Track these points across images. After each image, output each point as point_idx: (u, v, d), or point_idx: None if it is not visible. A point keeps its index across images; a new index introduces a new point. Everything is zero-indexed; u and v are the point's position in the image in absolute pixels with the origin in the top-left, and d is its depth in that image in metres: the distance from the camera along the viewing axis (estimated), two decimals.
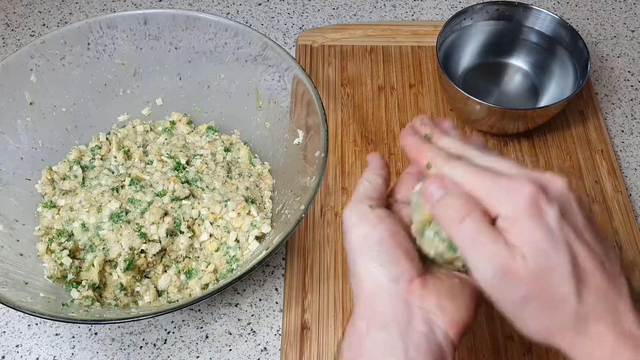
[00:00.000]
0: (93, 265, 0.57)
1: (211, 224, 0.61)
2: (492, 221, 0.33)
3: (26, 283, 0.54)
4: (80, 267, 0.58)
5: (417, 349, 0.34)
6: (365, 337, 0.35)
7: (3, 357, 0.58)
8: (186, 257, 0.60)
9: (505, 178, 0.33)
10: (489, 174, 0.33)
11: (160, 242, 0.58)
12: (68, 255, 0.57)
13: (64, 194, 0.63)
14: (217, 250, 0.60)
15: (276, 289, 0.62)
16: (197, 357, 0.58)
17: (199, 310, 0.60)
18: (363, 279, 0.36)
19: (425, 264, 0.37)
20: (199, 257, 0.60)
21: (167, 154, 0.65)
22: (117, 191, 0.62)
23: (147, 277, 0.59)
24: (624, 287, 0.33)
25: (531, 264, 0.31)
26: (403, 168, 0.69)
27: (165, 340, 0.59)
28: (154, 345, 0.58)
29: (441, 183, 0.34)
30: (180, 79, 0.69)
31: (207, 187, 0.63)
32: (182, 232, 0.59)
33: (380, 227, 0.36)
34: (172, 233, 0.59)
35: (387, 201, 0.40)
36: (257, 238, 0.60)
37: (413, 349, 0.34)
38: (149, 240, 0.58)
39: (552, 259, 0.31)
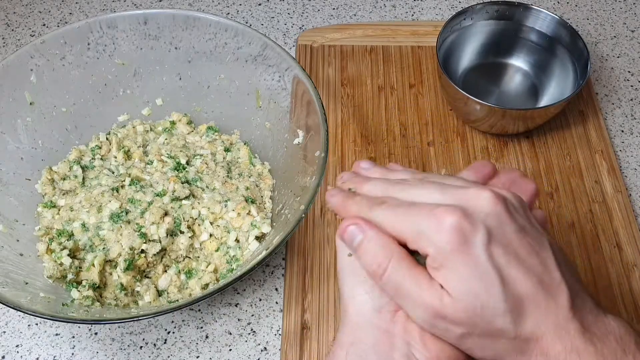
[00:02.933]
0: (93, 265, 0.57)
1: (211, 224, 0.61)
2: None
3: (26, 283, 0.54)
4: (80, 267, 0.58)
5: None
6: None
7: (3, 357, 0.58)
8: (186, 257, 0.60)
9: (426, 213, 0.31)
10: (410, 212, 0.32)
11: (160, 242, 0.58)
12: (68, 255, 0.57)
13: (64, 194, 0.63)
14: (217, 250, 0.60)
15: (276, 289, 0.62)
16: (197, 357, 0.58)
17: (199, 310, 0.60)
18: (348, 303, 0.35)
19: None
20: (199, 257, 0.60)
21: (167, 154, 0.65)
22: (117, 191, 0.62)
23: (147, 277, 0.59)
24: (564, 294, 0.31)
25: (461, 305, 0.30)
26: None
27: (165, 340, 0.59)
28: (154, 345, 0.58)
29: (359, 223, 0.33)
30: (180, 79, 0.69)
31: (207, 187, 0.63)
32: (182, 232, 0.59)
33: None
34: (172, 233, 0.59)
35: None
36: (257, 238, 0.60)
37: None
38: (149, 240, 0.58)
39: (482, 296, 0.30)
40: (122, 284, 0.56)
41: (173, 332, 0.59)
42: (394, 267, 0.32)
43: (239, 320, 0.60)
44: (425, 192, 0.33)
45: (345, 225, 0.34)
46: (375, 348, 0.33)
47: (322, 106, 0.58)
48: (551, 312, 0.31)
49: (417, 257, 0.34)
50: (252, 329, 0.59)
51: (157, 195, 0.61)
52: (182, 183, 0.62)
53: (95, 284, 0.56)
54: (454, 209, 0.31)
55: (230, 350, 0.58)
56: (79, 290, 0.55)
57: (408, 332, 0.33)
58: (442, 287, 0.31)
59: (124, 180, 0.63)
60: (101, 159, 0.67)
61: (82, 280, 0.57)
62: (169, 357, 0.58)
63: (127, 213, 0.60)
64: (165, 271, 0.59)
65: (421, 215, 0.32)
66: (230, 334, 0.59)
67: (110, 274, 0.58)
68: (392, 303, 0.34)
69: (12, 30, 0.85)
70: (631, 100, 0.78)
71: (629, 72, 0.81)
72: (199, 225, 0.61)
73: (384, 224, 0.33)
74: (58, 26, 0.86)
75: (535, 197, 0.38)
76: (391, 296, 0.33)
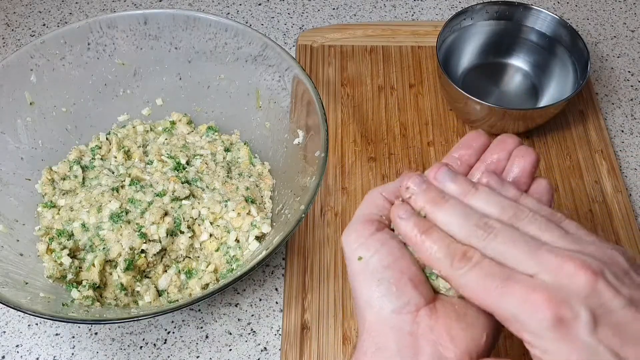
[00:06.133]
0: (93, 265, 0.57)
1: (211, 224, 0.61)
2: None
3: (26, 283, 0.54)
4: (80, 267, 0.58)
5: None
6: None
7: (3, 357, 0.58)
8: (186, 257, 0.60)
9: (519, 296, 0.28)
10: (501, 291, 0.29)
11: (160, 242, 0.58)
12: (68, 255, 0.57)
13: (64, 194, 0.63)
14: (217, 250, 0.60)
15: (276, 289, 0.62)
16: (197, 357, 0.58)
17: (199, 310, 0.60)
18: (365, 310, 0.33)
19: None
20: (199, 257, 0.60)
21: (167, 154, 0.65)
22: (117, 191, 0.62)
23: (147, 277, 0.59)
24: None
25: None
26: (403, 169, 0.69)
27: (165, 340, 0.59)
28: (154, 345, 0.58)
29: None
30: (180, 79, 0.69)
31: (207, 187, 0.63)
32: (182, 232, 0.59)
33: (383, 251, 0.33)
34: (172, 233, 0.59)
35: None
36: (257, 238, 0.60)
37: None
38: (149, 240, 0.58)
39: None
40: (122, 284, 0.56)
41: (173, 332, 0.59)
42: None
43: (239, 320, 0.60)
44: (514, 253, 0.30)
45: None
46: (399, 353, 0.31)
47: (322, 106, 0.58)
48: None
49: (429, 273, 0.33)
50: (252, 329, 0.59)
51: (157, 195, 0.61)
52: (182, 183, 0.62)
53: (95, 284, 0.56)
54: (550, 297, 0.28)
55: (230, 350, 0.58)
56: (79, 290, 0.55)
57: (434, 330, 0.31)
58: None
59: (124, 180, 0.63)
60: (101, 159, 0.67)
61: (82, 280, 0.57)
62: (169, 357, 0.58)
63: (127, 213, 0.60)
64: (165, 271, 0.59)
65: (515, 297, 0.29)
66: (230, 334, 0.59)
67: (110, 274, 0.58)
68: (413, 302, 0.32)
69: (12, 30, 0.85)
70: (631, 100, 0.78)
71: (629, 72, 0.81)
72: (199, 225, 0.61)
73: (467, 289, 0.30)
74: (58, 26, 0.86)
75: (536, 166, 0.36)
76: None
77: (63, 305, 0.53)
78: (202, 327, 0.59)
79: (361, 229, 0.34)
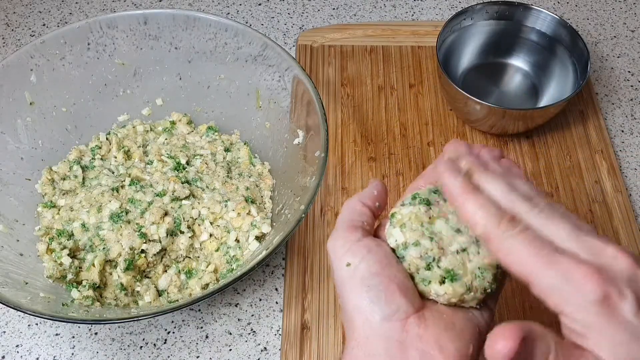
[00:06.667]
0: (93, 265, 0.57)
1: (211, 224, 0.61)
2: None
3: (26, 283, 0.54)
4: (80, 267, 0.58)
5: None
6: None
7: (3, 357, 0.58)
8: (186, 257, 0.60)
9: (565, 269, 0.28)
10: (549, 261, 0.29)
11: (160, 242, 0.58)
12: (68, 255, 0.57)
13: (64, 194, 0.63)
14: (217, 250, 0.60)
15: (276, 289, 0.62)
16: (197, 357, 0.58)
17: (199, 310, 0.60)
18: (354, 317, 0.33)
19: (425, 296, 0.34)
20: (199, 257, 0.60)
21: (167, 154, 0.65)
22: (117, 191, 0.62)
23: (148, 277, 0.59)
24: None
25: None
26: (403, 169, 0.69)
27: (165, 340, 0.59)
28: (154, 345, 0.58)
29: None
30: (180, 79, 0.69)
31: (207, 187, 0.63)
32: (182, 232, 0.59)
33: (370, 258, 0.33)
34: (172, 233, 0.59)
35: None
36: (257, 238, 0.60)
37: None
38: (149, 240, 0.58)
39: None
40: (122, 284, 0.56)
41: (173, 332, 0.59)
42: None
43: (239, 320, 0.60)
44: (558, 229, 0.30)
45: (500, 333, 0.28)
46: None
47: (322, 106, 0.58)
48: None
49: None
50: (252, 329, 0.59)
51: (157, 195, 0.61)
52: (182, 183, 0.62)
53: (95, 284, 0.56)
54: (598, 274, 0.28)
55: (230, 350, 0.58)
56: (79, 290, 0.55)
57: (423, 339, 0.31)
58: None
59: (124, 180, 0.63)
60: (101, 159, 0.67)
61: (82, 280, 0.57)
62: (169, 357, 0.58)
63: (127, 213, 0.60)
64: (165, 271, 0.59)
65: (562, 268, 0.29)
66: (230, 334, 0.59)
67: (110, 274, 0.58)
68: (403, 309, 0.32)
69: (12, 30, 0.85)
70: (631, 100, 0.78)
71: (629, 72, 0.81)
72: (199, 225, 0.61)
73: (511, 253, 0.30)
74: (58, 26, 0.86)
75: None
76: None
77: (63, 305, 0.53)
78: (202, 327, 0.59)
79: (347, 235, 0.34)
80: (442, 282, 0.33)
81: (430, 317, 0.32)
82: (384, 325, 0.32)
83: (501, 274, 0.35)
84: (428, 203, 0.36)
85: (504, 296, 0.60)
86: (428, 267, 0.33)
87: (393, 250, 0.35)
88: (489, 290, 0.34)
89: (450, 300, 0.33)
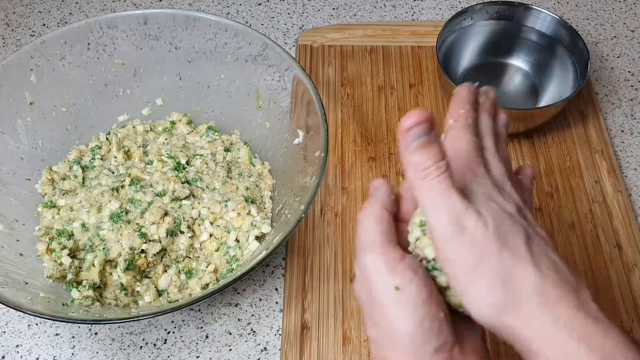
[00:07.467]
0: (93, 265, 0.57)
1: (211, 224, 0.61)
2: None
3: (26, 283, 0.54)
4: (80, 267, 0.58)
5: None
6: None
7: (3, 357, 0.58)
8: (186, 257, 0.60)
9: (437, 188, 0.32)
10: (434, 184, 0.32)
11: (160, 242, 0.58)
12: (68, 255, 0.57)
13: (64, 194, 0.63)
14: (217, 250, 0.60)
15: (276, 289, 0.62)
16: (197, 357, 0.58)
17: (199, 310, 0.60)
18: (398, 343, 0.32)
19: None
20: (199, 257, 0.60)
21: (167, 154, 0.65)
22: (117, 191, 0.62)
23: (147, 277, 0.59)
24: (582, 280, 0.32)
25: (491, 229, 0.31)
26: (403, 168, 0.69)
27: (165, 340, 0.59)
28: (154, 345, 0.58)
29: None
30: (180, 79, 0.69)
31: (207, 187, 0.63)
32: (182, 232, 0.59)
33: (417, 282, 0.32)
34: (172, 233, 0.59)
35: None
36: (257, 238, 0.60)
37: None
38: (149, 240, 0.58)
39: (510, 231, 0.31)
40: (122, 284, 0.56)
41: (173, 332, 0.59)
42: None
43: (239, 320, 0.60)
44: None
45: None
46: None
47: (322, 106, 0.58)
48: (572, 281, 0.31)
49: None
50: (252, 329, 0.59)
51: (157, 195, 0.61)
52: (182, 183, 0.62)
53: (95, 284, 0.56)
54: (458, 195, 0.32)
55: (230, 350, 0.58)
56: (79, 290, 0.55)
57: None
58: None
59: (124, 180, 0.63)
60: (101, 159, 0.67)
61: (82, 280, 0.57)
62: (169, 357, 0.58)
63: (127, 213, 0.60)
64: (165, 271, 0.59)
65: (432, 194, 0.32)
66: (230, 334, 0.59)
67: (110, 274, 0.58)
68: (450, 342, 0.32)
69: (12, 30, 0.85)
70: (631, 100, 0.78)
71: (629, 72, 0.81)
72: (199, 225, 0.61)
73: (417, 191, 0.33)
74: (58, 26, 0.86)
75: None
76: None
77: (63, 305, 0.53)
78: (202, 327, 0.59)
79: (388, 252, 0.33)
80: None
81: (468, 347, 0.33)
82: (435, 357, 0.32)
83: None
84: None
85: None
86: None
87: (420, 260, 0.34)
88: None
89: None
